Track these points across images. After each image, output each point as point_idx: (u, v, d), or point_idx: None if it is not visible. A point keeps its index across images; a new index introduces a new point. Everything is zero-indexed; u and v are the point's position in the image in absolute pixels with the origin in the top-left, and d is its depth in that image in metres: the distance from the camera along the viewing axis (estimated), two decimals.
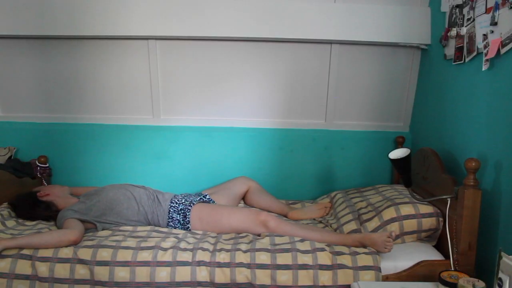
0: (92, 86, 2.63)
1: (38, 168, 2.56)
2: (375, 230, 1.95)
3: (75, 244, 1.80)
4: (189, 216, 2.09)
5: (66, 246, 1.78)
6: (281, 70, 2.61)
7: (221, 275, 1.72)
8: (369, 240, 1.82)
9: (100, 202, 2.10)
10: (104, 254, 1.74)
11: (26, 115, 2.70)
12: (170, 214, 2.11)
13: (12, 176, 2.40)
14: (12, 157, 2.59)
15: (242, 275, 1.72)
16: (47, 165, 2.61)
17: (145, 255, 1.74)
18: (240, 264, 1.73)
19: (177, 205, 2.14)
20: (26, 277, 1.71)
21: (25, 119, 2.70)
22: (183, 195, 2.25)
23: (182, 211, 2.10)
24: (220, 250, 1.80)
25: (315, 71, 2.61)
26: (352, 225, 2.04)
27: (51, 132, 2.68)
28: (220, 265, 1.73)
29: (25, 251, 1.75)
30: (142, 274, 1.71)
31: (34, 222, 2.14)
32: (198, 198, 2.23)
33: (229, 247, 1.83)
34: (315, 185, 2.72)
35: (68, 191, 2.33)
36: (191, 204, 2.13)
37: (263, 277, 1.72)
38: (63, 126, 2.69)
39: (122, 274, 1.71)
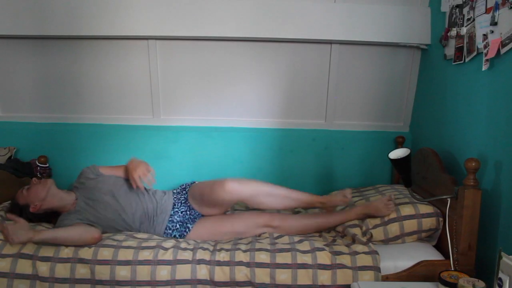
0: (92, 86, 2.63)
1: (38, 168, 2.56)
2: (375, 227, 1.96)
3: (96, 242, 1.80)
4: (187, 235, 2.05)
5: (88, 245, 1.78)
6: (281, 70, 2.61)
7: (221, 274, 1.72)
8: (373, 208, 1.91)
9: (100, 219, 2.02)
10: (105, 253, 1.74)
11: (26, 115, 2.70)
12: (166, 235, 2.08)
13: (12, 176, 2.40)
14: (12, 157, 2.59)
15: (242, 273, 1.72)
16: (47, 165, 2.61)
17: (146, 254, 1.75)
18: (240, 263, 1.74)
19: (171, 231, 2.06)
20: (26, 277, 1.71)
21: (25, 119, 2.70)
22: (178, 215, 2.11)
23: (179, 233, 2.05)
24: (220, 249, 1.81)
25: (315, 71, 2.61)
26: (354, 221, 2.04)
27: (51, 132, 2.68)
28: (219, 263, 1.74)
29: (25, 250, 1.75)
30: (143, 273, 1.71)
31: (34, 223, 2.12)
32: (193, 219, 2.12)
33: (229, 246, 1.84)
34: (315, 185, 2.71)
35: (54, 188, 2.09)
36: (187, 230, 2.05)
37: (262, 275, 1.72)
38: (63, 126, 2.69)
39: (123, 273, 1.71)
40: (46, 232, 1.77)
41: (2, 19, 2.40)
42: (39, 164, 2.57)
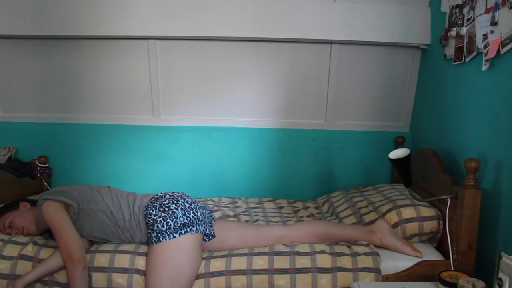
0: (92, 86, 2.63)
1: (38, 168, 2.56)
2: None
3: (76, 257, 1.66)
4: None
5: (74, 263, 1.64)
6: (281, 70, 2.61)
7: (217, 285, 1.69)
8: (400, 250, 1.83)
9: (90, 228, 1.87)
10: (102, 260, 1.71)
11: (26, 115, 2.70)
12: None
13: (12, 176, 2.40)
14: (12, 157, 2.59)
15: (238, 282, 1.68)
16: (47, 165, 2.61)
17: (142, 263, 1.71)
18: (236, 272, 1.69)
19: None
20: None
21: (25, 119, 2.70)
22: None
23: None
24: (216, 257, 1.76)
25: (315, 71, 2.61)
26: (352, 219, 2.06)
27: (51, 132, 2.68)
28: (214, 274, 1.70)
29: (25, 252, 1.74)
30: (139, 281, 1.69)
31: None
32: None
33: (225, 252, 1.80)
34: (315, 185, 2.72)
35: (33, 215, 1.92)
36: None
37: (260, 282, 1.68)
38: (63, 126, 2.69)
39: (119, 280, 1.68)
40: (27, 276, 1.65)
41: (2, 19, 2.40)
42: (39, 164, 2.57)
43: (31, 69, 2.60)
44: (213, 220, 1.91)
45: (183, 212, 1.75)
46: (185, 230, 1.71)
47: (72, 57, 2.57)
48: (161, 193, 1.87)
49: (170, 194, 1.84)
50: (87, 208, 1.81)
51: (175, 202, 1.78)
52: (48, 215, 1.73)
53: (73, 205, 1.79)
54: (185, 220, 1.73)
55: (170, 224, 1.70)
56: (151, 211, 1.77)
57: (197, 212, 1.78)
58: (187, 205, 1.78)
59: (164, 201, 1.78)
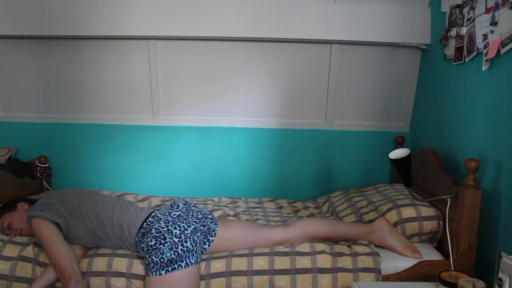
0: (92, 86, 2.63)
1: (38, 168, 2.56)
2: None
3: (68, 274, 1.64)
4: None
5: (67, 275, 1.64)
6: (281, 70, 2.61)
7: (217, 285, 1.69)
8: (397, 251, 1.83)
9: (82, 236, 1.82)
10: (99, 264, 1.70)
11: (26, 115, 2.70)
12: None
13: (12, 176, 2.40)
14: (12, 157, 2.60)
15: (239, 283, 1.68)
16: (47, 165, 2.61)
17: (140, 268, 1.70)
18: (236, 273, 1.69)
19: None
20: (26, 280, 1.69)
21: (25, 119, 2.70)
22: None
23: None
24: (216, 258, 1.75)
25: (315, 71, 2.61)
26: (351, 218, 2.07)
27: (51, 132, 2.68)
28: (214, 276, 1.69)
29: (25, 254, 1.74)
30: (137, 286, 1.68)
31: None
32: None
33: (225, 253, 1.79)
34: (315, 185, 2.72)
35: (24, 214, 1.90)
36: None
37: (260, 283, 1.68)
38: (63, 126, 2.69)
39: (118, 284, 1.68)
40: (37, 282, 1.66)
41: (2, 19, 2.40)
42: (39, 164, 2.57)
43: (31, 69, 2.60)
44: (214, 225, 1.83)
45: (169, 247, 1.63)
46: (172, 267, 1.61)
47: (73, 57, 2.57)
48: (148, 223, 1.75)
49: (156, 227, 1.70)
50: (75, 225, 1.77)
51: (162, 241, 1.65)
52: (36, 232, 1.70)
53: (59, 222, 1.73)
54: (173, 256, 1.62)
55: (156, 261, 1.62)
56: (140, 254, 1.71)
57: (186, 242, 1.66)
58: (175, 240, 1.65)
59: (151, 242, 1.66)
